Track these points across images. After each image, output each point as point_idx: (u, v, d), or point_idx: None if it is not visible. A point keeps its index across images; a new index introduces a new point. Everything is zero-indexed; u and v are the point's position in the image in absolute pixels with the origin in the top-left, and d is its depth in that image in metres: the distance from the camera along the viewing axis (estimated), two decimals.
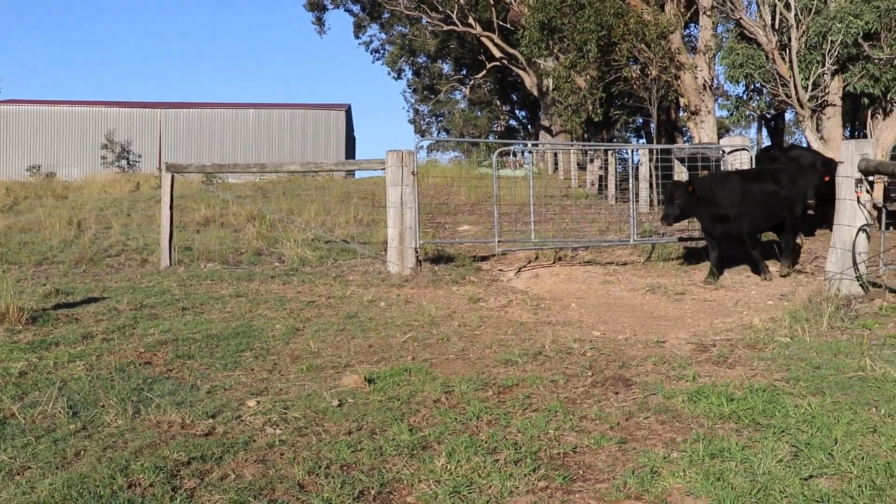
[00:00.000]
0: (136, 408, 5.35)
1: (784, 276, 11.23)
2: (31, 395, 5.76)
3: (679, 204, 11.17)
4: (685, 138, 31.71)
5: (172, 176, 12.98)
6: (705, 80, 20.16)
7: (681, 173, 15.49)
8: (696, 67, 20.14)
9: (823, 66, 15.79)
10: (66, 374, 6.35)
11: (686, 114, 20.95)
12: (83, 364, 6.63)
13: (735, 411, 5.08)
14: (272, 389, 5.94)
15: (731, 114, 24.70)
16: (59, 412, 5.26)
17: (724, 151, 13.83)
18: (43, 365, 6.60)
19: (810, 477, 4.08)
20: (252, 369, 6.56)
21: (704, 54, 20.34)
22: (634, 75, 21.38)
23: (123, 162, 44.05)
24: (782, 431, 4.69)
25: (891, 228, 12.46)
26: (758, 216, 11.31)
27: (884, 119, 16.28)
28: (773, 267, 11.42)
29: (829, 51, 15.56)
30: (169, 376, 6.33)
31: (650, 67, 20.55)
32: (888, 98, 15.79)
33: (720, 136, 20.54)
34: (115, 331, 7.95)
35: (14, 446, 4.70)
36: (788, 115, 29.18)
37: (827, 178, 12.00)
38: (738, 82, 17.56)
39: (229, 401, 5.60)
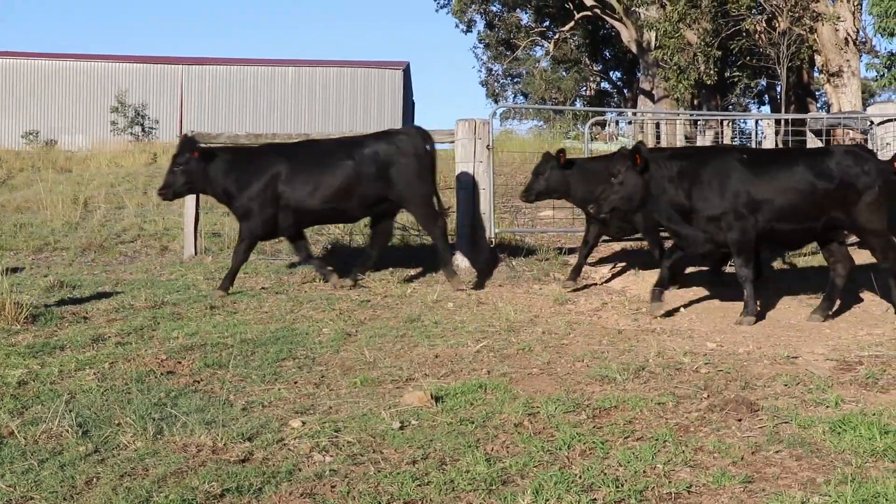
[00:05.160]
0: (158, 427, 5.40)
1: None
2: (32, 409, 5.87)
3: None
4: (819, 105, 31.24)
5: None
6: (848, 34, 19.80)
7: None
8: (837, 18, 19.75)
9: None
10: (74, 384, 6.45)
11: (823, 75, 20.60)
12: (94, 373, 6.74)
13: (891, 446, 4.96)
14: (320, 407, 5.97)
15: (881, 75, 24.07)
16: (67, 431, 5.34)
17: (871, 122, 13.52)
18: (46, 373, 6.72)
19: None
20: (295, 382, 6.61)
21: (848, 2, 19.95)
22: (758, 28, 21.10)
23: (137, 128, 44.56)
24: None
25: None
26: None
27: None
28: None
29: None
30: (197, 389, 6.41)
31: (778, 18, 20.26)
32: None
33: (865, 103, 20.17)
34: (132, 333, 8.07)
35: (14, 472, 4.77)
36: None
37: None
38: (891, 35, 17.17)
39: (269, 420, 5.64)
